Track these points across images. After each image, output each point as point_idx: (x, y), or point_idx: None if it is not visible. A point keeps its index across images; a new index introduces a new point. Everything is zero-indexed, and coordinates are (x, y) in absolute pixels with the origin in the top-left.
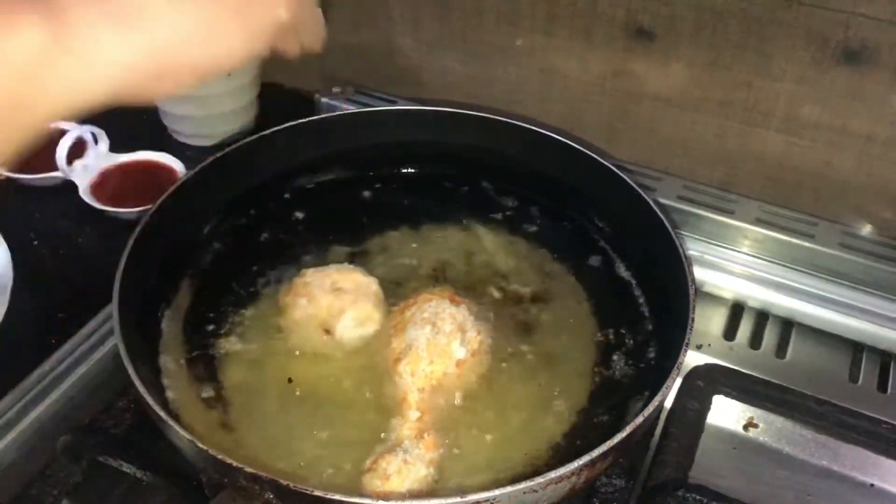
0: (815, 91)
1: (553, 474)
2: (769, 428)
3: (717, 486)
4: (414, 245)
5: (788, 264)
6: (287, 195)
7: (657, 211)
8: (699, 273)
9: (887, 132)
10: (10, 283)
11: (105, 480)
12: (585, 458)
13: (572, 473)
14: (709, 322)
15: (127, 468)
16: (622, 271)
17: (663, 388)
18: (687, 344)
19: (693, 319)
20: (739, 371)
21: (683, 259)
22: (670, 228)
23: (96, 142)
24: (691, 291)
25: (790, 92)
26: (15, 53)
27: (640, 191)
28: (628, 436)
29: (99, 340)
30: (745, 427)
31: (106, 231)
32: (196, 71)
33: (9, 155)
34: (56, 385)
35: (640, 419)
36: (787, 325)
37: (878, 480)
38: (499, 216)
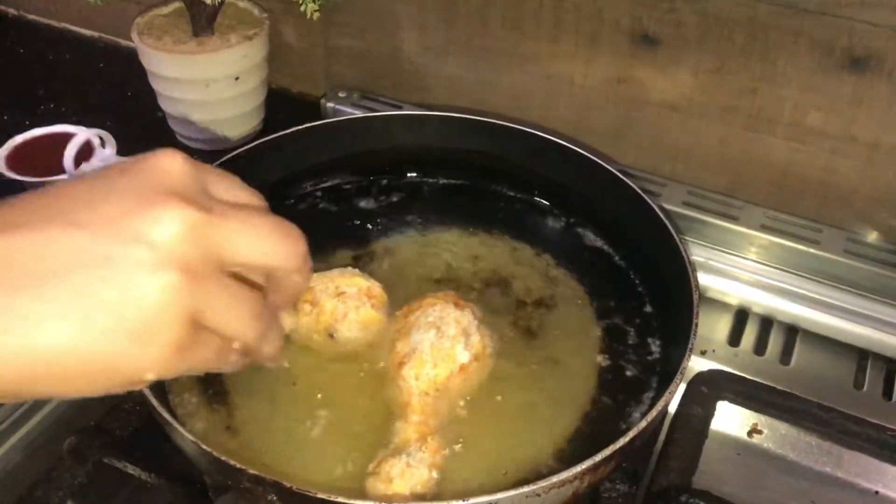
0: (820, 98)
1: (555, 478)
2: (773, 434)
3: (720, 491)
4: (418, 249)
5: (793, 271)
6: (292, 199)
7: (661, 216)
8: (704, 279)
9: (892, 139)
10: None
11: (110, 482)
12: (588, 463)
13: (575, 477)
14: (713, 328)
15: (132, 470)
16: (626, 277)
17: (666, 394)
18: (690, 349)
19: (697, 325)
20: (744, 377)
21: (687, 264)
22: (675, 234)
23: (103, 145)
24: (695, 297)
25: (795, 99)
26: None
27: (644, 196)
28: (631, 440)
29: None
30: (750, 433)
31: None
32: (14, 390)
33: None
34: None
35: (642, 424)
36: (792, 332)
37: (883, 487)
38: (503, 221)
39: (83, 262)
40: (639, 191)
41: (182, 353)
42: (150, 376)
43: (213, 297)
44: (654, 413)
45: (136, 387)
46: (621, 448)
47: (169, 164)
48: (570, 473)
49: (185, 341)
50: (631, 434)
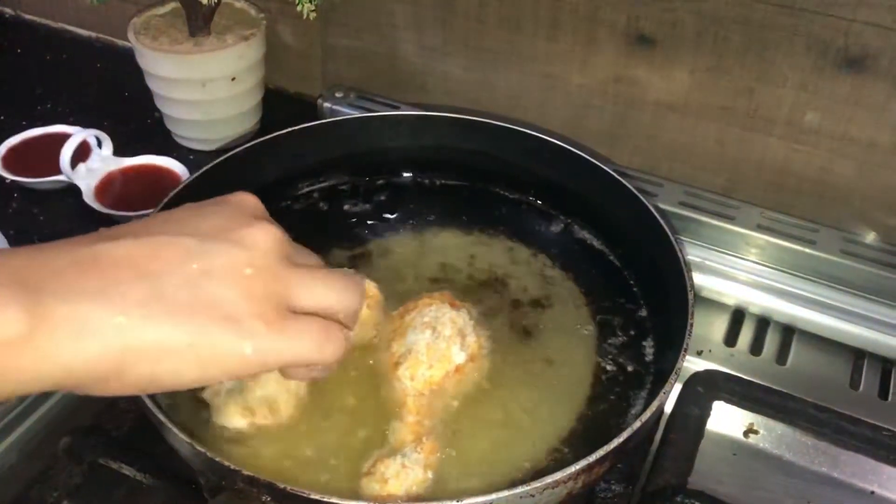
0: (816, 97)
1: (549, 478)
2: (769, 434)
3: (716, 492)
4: (414, 249)
5: (790, 270)
6: (288, 199)
7: (657, 216)
8: (700, 279)
9: (888, 139)
10: None
11: (105, 482)
12: (582, 463)
13: (569, 478)
14: (710, 328)
15: (127, 470)
16: (622, 276)
17: (661, 394)
18: (686, 349)
19: (692, 325)
20: (740, 377)
21: (683, 264)
22: (670, 233)
23: (100, 145)
24: (690, 296)
25: (791, 98)
26: None
27: (639, 195)
28: (625, 441)
29: None
30: (746, 433)
31: None
32: (138, 386)
33: None
34: None
35: (637, 424)
36: (788, 332)
37: (879, 488)
38: (499, 221)
39: (191, 259)
40: (634, 191)
41: (278, 324)
42: (250, 349)
43: (295, 282)
44: (648, 413)
45: (245, 370)
46: (615, 448)
47: (253, 199)
48: (565, 474)
49: (272, 316)
50: (625, 434)
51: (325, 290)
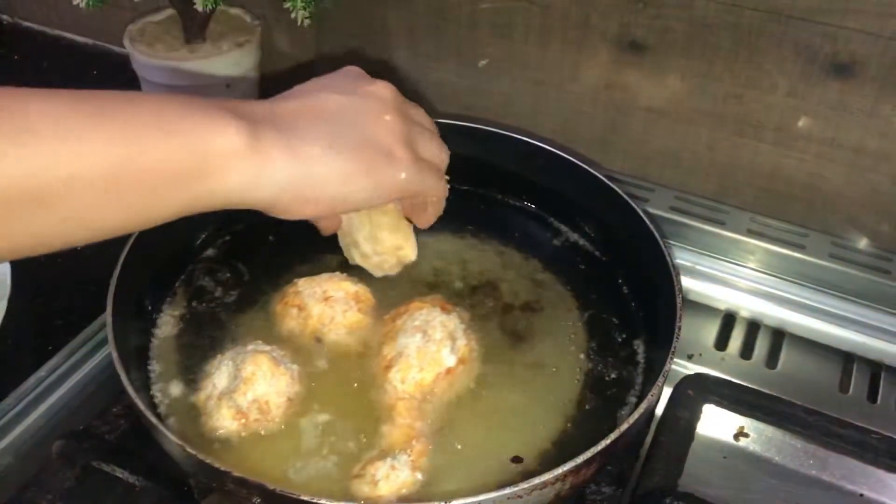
0: (805, 103)
1: (537, 480)
2: (759, 437)
3: (706, 494)
4: None
5: (779, 275)
6: None
7: (647, 221)
8: (691, 283)
9: (876, 144)
10: (8, 289)
11: (98, 485)
12: (569, 465)
13: (556, 479)
14: (700, 332)
15: (120, 473)
16: (612, 280)
17: (648, 396)
18: (674, 351)
19: (680, 328)
20: (729, 380)
21: (671, 267)
22: (658, 237)
23: None
24: (678, 300)
25: (781, 104)
26: (213, 147)
27: (630, 201)
28: (613, 442)
29: (94, 347)
30: (736, 436)
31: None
32: (331, 205)
33: (164, 218)
34: (52, 391)
35: (624, 426)
36: (779, 336)
37: (868, 490)
38: (491, 225)
39: (346, 108)
40: (625, 196)
41: (416, 160)
42: (404, 175)
43: (416, 131)
44: (636, 415)
45: (397, 193)
46: (603, 450)
47: (358, 68)
48: (552, 475)
49: (411, 154)
50: (612, 436)
51: (439, 147)
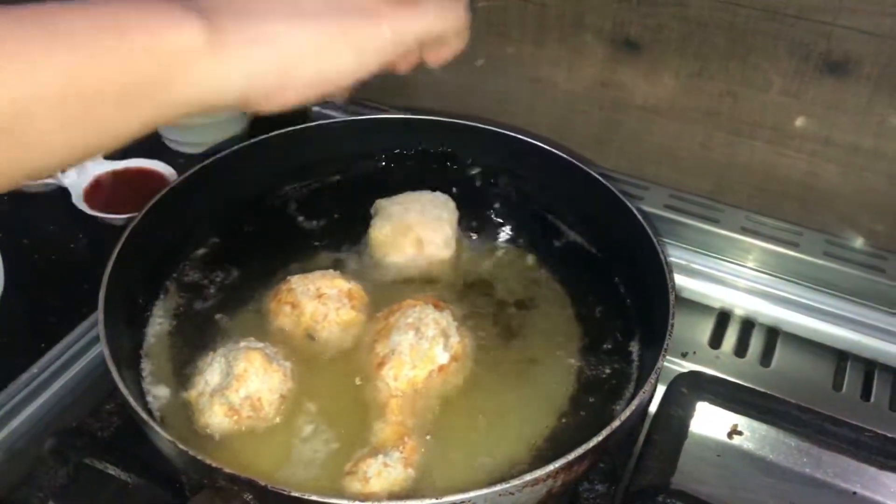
0: (799, 102)
1: (528, 476)
2: (753, 435)
3: (699, 492)
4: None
5: (774, 273)
6: (275, 202)
7: (640, 219)
8: (686, 281)
9: (870, 142)
10: (1, 287)
11: (91, 483)
12: (561, 461)
13: (548, 476)
14: (694, 330)
15: (112, 470)
16: (606, 278)
17: (640, 393)
18: (666, 349)
19: (672, 325)
20: (723, 378)
21: (664, 265)
22: (652, 234)
23: None
24: (671, 297)
25: (775, 102)
26: (172, 45)
27: (624, 199)
28: (605, 439)
29: (87, 345)
30: (730, 434)
31: (98, 237)
32: (312, 85)
33: (132, 133)
34: (45, 388)
35: (616, 423)
36: (773, 334)
37: (861, 488)
38: (485, 223)
39: (336, 9)
40: (619, 194)
41: (399, 6)
42: (388, 32)
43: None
44: (627, 412)
45: (391, 49)
46: (594, 447)
47: None
48: (543, 472)
49: (393, 2)
50: (604, 433)
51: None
